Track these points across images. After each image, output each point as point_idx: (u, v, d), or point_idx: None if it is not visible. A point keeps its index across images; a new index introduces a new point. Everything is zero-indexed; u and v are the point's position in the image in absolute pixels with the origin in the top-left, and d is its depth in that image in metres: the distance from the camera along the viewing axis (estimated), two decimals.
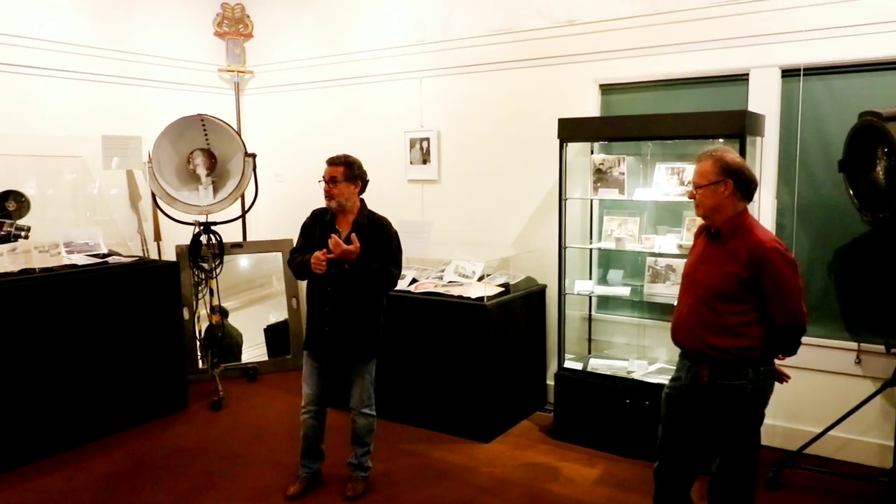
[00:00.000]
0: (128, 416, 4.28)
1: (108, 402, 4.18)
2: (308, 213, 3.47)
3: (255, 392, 5.02)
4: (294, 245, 3.48)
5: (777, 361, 2.60)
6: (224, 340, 5.11)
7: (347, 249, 3.11)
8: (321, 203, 3.37)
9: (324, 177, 3.26)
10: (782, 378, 2.63)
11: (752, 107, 3.72)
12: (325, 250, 3.15)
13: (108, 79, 5.11)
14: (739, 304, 2.46)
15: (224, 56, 5.91)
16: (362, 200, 3.37)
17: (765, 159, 3.78)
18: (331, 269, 3.17)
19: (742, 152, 3.28)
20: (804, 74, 3.66)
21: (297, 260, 3.30)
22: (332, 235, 3.17)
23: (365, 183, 3.34)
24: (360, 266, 3.17)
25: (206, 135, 4.89)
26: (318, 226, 3.35)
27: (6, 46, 4.52)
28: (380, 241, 3.28)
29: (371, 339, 3.34)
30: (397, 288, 4.39)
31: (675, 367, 2.78)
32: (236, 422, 4.42)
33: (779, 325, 2.45)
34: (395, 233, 3.37)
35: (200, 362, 5.22)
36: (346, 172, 3.23)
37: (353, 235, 3.18)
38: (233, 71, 5.91)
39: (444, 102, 4.97)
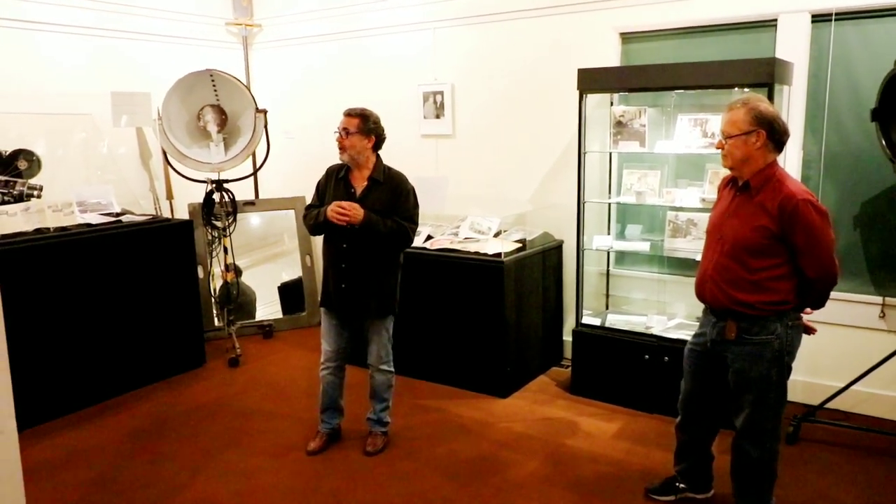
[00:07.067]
0: (147, 373, 4.32)
1: (127, 360, 4.21)
2: (321, 169, 3.42)
3: (271, 349, 5.04)
4: (308, 202, 3.44)
5: (804, 316, 2.55)
6: (240, 298, 5.13)
7: (351, 212, 3.09)
8: (334, 159, 3.33)
9: (338, 127, 3.22)
10: (809, 330, 2.59)
11: (780, 54, 3.58)
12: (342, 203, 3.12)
13: (113, 33, 4.99)
14: (769, 258, 2.40)
15: (231, 9, 5.76)
16: (378, 156, 3.31)
17: (792, 109, 3.65)
18: (346, 225, 3.15)
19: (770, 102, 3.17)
20: (836, 19, 3.51)
21: (312, 214, 3.27)
22: (332, 208, 3.13)
23: (381, 139, 3.28)
24: (371, 225, 3.13)
25: (215, 90, 4.80)
26: (331, 181, 3.32)
27: (11, 1, 4.40)
28: (396, 196, 3.24)
29: (388, 295, 3.33)
30: (413, 245, 4.37)
31: (694, 323, 2.74)
32: (254, 378, 4.45)
33: (811, 279, 2.40)
34: (412, 188, 3.32)
35: (216, 320, 5.25)
36: (361, 125, 3.18)
37: (346, 203, 3.15)
38: (240, 24, 5.77)
39: (458, 54, 4.82)
